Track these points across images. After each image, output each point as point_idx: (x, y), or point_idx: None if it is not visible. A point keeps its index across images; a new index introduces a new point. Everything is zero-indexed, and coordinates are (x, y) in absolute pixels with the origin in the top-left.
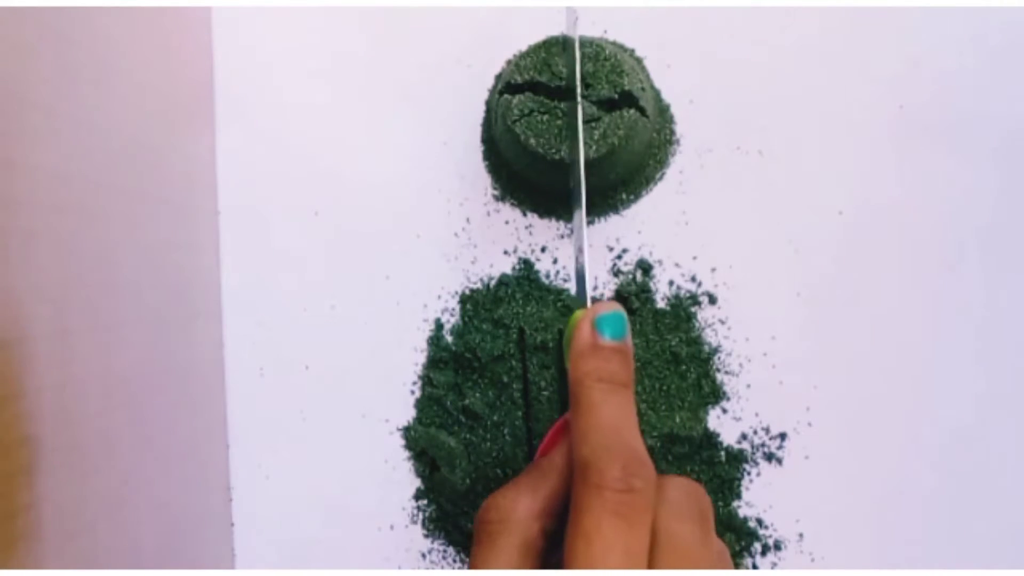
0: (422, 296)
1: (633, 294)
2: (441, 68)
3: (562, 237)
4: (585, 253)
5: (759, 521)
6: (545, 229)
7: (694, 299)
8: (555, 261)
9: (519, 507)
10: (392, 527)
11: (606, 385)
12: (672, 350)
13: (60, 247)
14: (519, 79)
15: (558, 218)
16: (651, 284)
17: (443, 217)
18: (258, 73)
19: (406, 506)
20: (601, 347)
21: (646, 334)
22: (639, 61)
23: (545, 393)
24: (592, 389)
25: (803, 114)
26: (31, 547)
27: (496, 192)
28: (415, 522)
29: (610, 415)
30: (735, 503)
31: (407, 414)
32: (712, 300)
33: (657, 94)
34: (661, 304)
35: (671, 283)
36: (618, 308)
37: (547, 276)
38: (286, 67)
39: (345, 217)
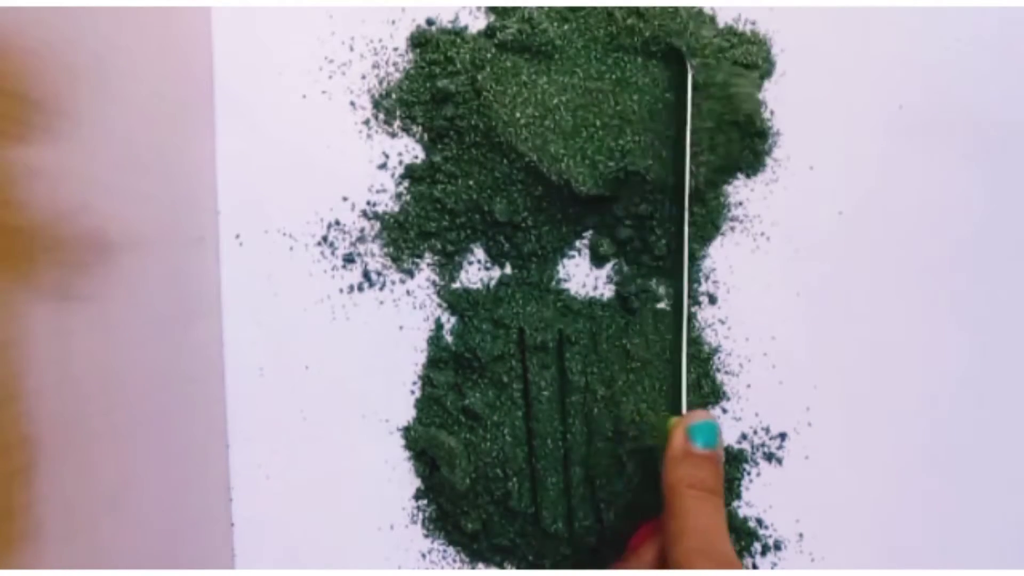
0: (422, 296)
1: (633, 294)
2: None
3: (562, 238)
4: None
5: (759, 521)
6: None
7: (694, 299)
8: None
9: None
10: (392, 527)
11: (697, 492)
12: (672, 350)
13: (60, 247)
14: None
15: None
16: (651, 284)
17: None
18: (258, 73)
19: (406, 506)
20: (693, 455)
21: (646, 334)
22: None
23: (545, 393)
24: (684, 496)
25: (803, 114)
26: (31, 547)
27: None
28: (415, 522)
29: (701, 520)
30: (735, 503)
31: (407, 414)
32: (712, 300)
33: None
34: (661, 304)
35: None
36: (711, 418)
37: (547, 276)
38: (286, 67)
39: (345, 217)
